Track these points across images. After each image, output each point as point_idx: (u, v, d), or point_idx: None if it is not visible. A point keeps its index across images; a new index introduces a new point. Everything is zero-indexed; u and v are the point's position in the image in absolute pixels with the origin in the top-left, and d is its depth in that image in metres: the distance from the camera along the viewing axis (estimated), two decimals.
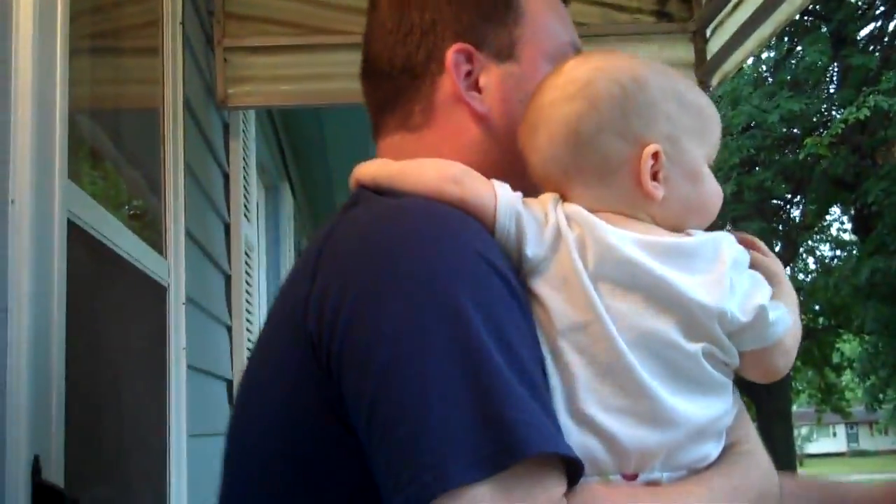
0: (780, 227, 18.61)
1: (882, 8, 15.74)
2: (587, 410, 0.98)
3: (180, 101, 2.88)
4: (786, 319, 1.07)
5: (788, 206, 18.68)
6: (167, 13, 2.86)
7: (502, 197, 1.05)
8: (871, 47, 14.89)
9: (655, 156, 1.08)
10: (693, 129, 1.12)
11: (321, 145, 6.11)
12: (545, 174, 1.11)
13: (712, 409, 1.03)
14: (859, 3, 15.78)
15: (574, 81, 1.10)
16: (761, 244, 1.19)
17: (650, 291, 1.01)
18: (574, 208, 1.06)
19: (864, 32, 15.62)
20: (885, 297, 15.23)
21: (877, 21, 15.83)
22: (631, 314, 1.00)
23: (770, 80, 15.43)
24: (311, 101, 3.70)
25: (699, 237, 1.08)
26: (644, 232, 1.05)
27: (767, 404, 21.59)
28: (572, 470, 0.93)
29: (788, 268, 19.77)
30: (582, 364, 0.99)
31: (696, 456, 1.03)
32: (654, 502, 0.98)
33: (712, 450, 1.04)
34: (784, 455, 22.32)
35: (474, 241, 0.99)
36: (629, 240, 1.02)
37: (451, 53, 1.17)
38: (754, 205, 15.56)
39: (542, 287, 1.02)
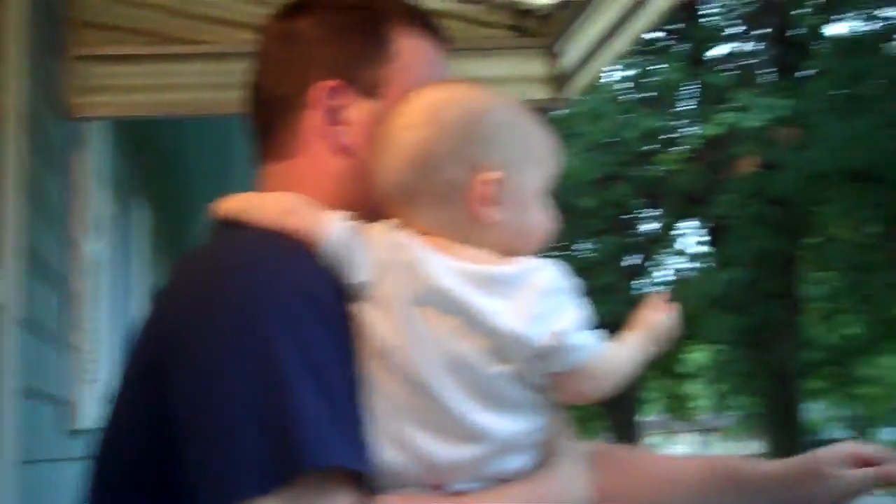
0: (636, 240, 19.15)
1: (735, 30, 16.42)
2: (398, 428, 1.06)
3: (23, 111, 2.74)
4: (590, 346, 1.12)
5: (644, 220, 19.24)
6: (12, 19, 2.73)
7: (332, 227, 1.12)
8: (724, 67, 15.46)
9: (491, 182, 1.13)
10: (530, 159, 1.18)
11: (182, 158, 5.93)
12: (389, 197, 1.16)
13: (521, 425, 1.10)
14: (714, 25, 16.41)
15: (422, 109, 1.17)
16: (672, 309, 1.27)
17: (462, 317, 1.07)
18: (404, 237, 1.12)
19: (717, 52, 16.25)
20: (733, 307, 15.85)
21: (730, 42, 16.51)
22: (443, 338, 1.07)
23: (629, 97, 15.84)
24: (164, 111, 3.59)
25: (518, 265, 1.12)
26: (471, 258, 1.11)
27: (619, 414, 22.20)
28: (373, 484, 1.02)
29: (644, 279, 20.37)
30: (395, 384, 1.06)
31: (506, 468, 1.09)
32: None
33: (521, 463, 1.11)
34: None
35: (297, 271, 1.08)
36: (449, 269, 1.09)
37: (317, 88, 1.24)
38: (613, 219, 15.95)
39: (366, 312, 1.09)
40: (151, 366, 1.07)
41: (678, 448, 54.98)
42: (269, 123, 1.28)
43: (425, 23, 1.33)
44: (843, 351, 19.54)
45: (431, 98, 1.18)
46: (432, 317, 1.08)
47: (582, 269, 14.94)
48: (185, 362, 1.03)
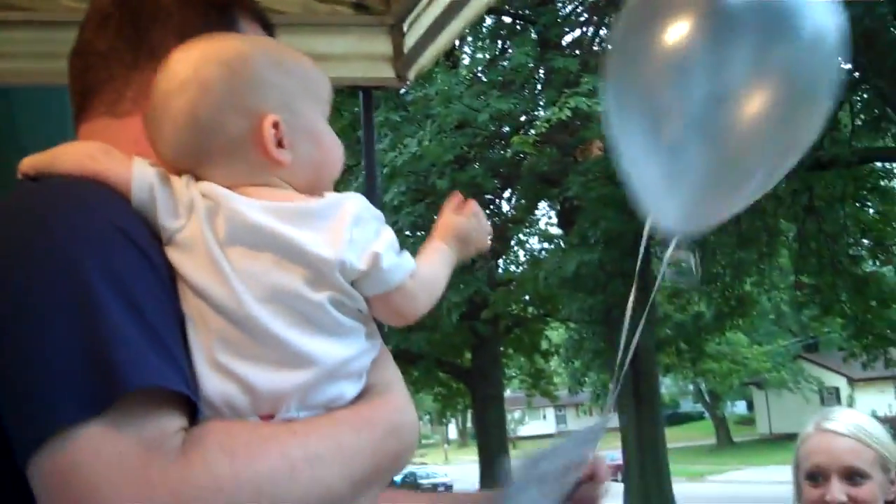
0: (492, 222, 19.38)
1: (584, 15, 16.79)
2: (222, 360, 1.07)
3: None
4: (405, 266, 1.18)
5: (499, 201, 19.52)
6: None
7: (136, 171, 1.13)
8: (573, 51, 15.80)
9: (276, 125, 1.16)
10: (303, 92, 1.21)
11: (11, 130, 5.72)
12: (177, 164, 1.16)
13: (343, 351, 1.13)
14: (563, 9, 16.74)
15: (181, 71, 1.16)
16: (470, 208, 1.33)
17: (277, 251, 1.10)
18: (207, 185, 1.14)
19: (567, 38, 16.59)
20: (588, 287, 16.22)
21: (580, 27, 16.87)
22: (260, 273, 1.09)
23: (482, 80, 16.02)
24: None
25: (325, 199, 1.16)
26: (276, 199, 1.14)
27: (482, 390, 22.52)
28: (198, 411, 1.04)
29: (501, 260, 20.70)
30: (216, 319, 1.08)
31: (331, 395, 1.13)
32: (275, 433, 1.06)
33: (347, 390, 1.15)
34: (497, 438, 23.38)
35: (107, 212, 1.09)
36: (257, 207, 1.11)
37: (172, 49, 1.20)
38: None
39: (177, 254, 1.11)
40: None
41: (538, 423, 56.11)
42: (104, 78, 1.27)
43: (261, 16, 1.37)
44: (691, 328, 20.23)
45: (187, 58, 1.18)
46: (245, 255, 1.09)
47: None
48: None
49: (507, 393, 30.17)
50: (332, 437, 1.09)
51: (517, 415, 50.99)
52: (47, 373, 0.97)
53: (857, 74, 14.12)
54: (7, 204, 1.13)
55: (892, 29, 12.93)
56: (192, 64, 1.17)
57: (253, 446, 1.03)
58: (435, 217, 1.28)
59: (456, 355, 22.96)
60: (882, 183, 17.40)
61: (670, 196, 2.22)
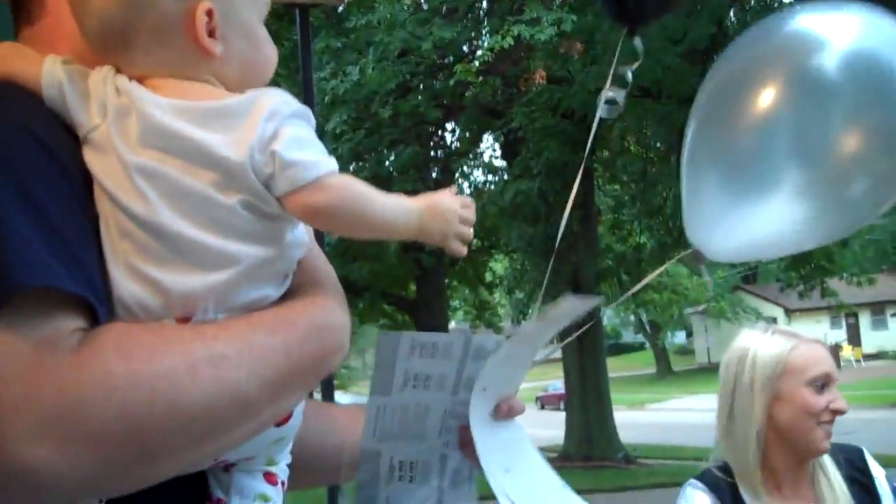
0: (436, 153, 19.31)
1: None
2: (133, 262, 1.06)
3: None
4: (318, 164, 1.10)
5: (442, 133, 19.42)
6: None
7: (46, 69, 1.11)
8: None
9: (209, 13, 1.12)
10: None
11: None
12: (103, 41, 1.13)
13: (259, 252, 1.10)
14: None
15: None
16: (468, 202, 1.22)
17: (186, 154, 1.07)
18: (123, 80, 1.11)
19: None
20: (528, 217, 16.29)
21: None
22: (170, 177, 1.07)
23: (424, 7, 15.81)
24: None
25: (239, 96, 1.12)
26: (193, 95, 1.11)
27: (426, 322, 22.63)
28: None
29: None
30: (126, 221, 1.06)
31: (251, 298, 1.11)
32: (179, 334, 1.04)
33: (270, 293, 1.13)
34: None
35: (13, 112, 1.07)
36: (168, 107, 1.09)
37: None
38: (410, 129, 16.01)
39: (91, 154, 1.09)
40: None
41: None
42: None
43: None
44: (632, 259, 20.46)
45: None
46: (155, 157, 1.07)
47: (380, 178, 15.03)
48: None
49: (452, 325, 30.37)
50: (243, 336, 1.07)
51: None
52: None
53: None
54: None
55: None
56: None
57: (152, 346, 1.01)
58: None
59: (400, 287, 23.03)
60: None
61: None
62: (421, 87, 16.02)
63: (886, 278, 36.57)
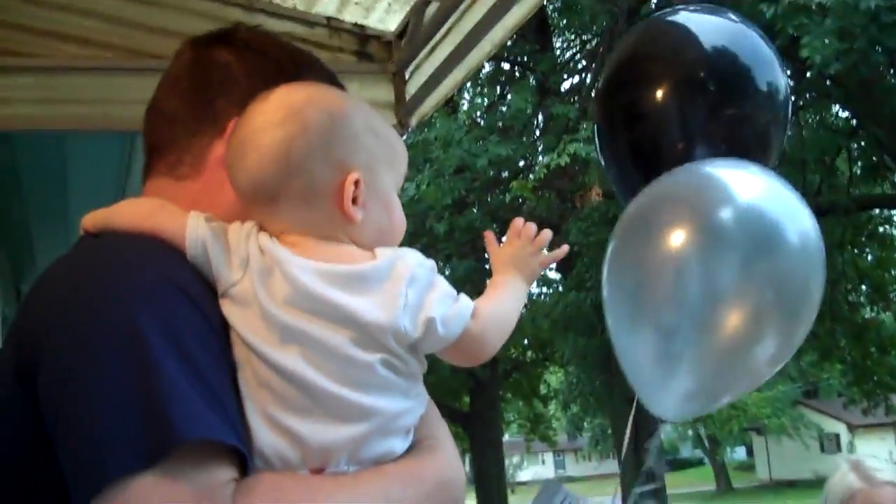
0: (488, 268, 19.34)
1: (583, 62, 16.92)
2: (273, 413, 1.11)
3: None
4: (463, 314, 1.19)
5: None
6: None
7: (190, 227, 1.17)
8: (572, 98, 15.88)
9: (357, 182, 1.18)
10: (387, 161, 1.24)
11: (13, 174, 5.77)
12: (254, 197, 1.19)
13: (392, 407, 1.15)
14: (562, 56, 16.86)
15: (284, 108, 1.19)
16: (528, 230, 1.37)
17: (329, 316, 1.12)
18: (265, 240, 1.16)
19: (566, 84, 16.70)
20: (581, 329, 16.17)
21: (578, 74, 16.99)
22: (315, 333, 1.12)
23: (480, 125, 16.09)
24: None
25: (379, 259, 1.18)
26: (334, 258, 1.16)
27: (480, 435, 22.36)
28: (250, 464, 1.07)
29: None
30: (267, 372, 1.11)
31: (381, 450, 1.15)
32: (322, 485, 1.08)
33: (397, 445, 1.17)
34: (496, 483, 23.18)
35: (161, 267, 1.12)
36: (311, 270, 1.13)
37: (233, 122, 1.24)
38: (466, 244, 16.12)
39: (230, 307, 1.14)
40: (21, 367, 1.09)
41: (537, 468, 55.69)
42: (168, 139, 1.31)
43: (334, 80, 1.39)
44: None
45: (292, 97, 1.21)
46: (297, 316, 1.12)
47: None
48: (54, 356, 1.06)
49: (506, 437, 29.97)
50: (380, 489, 1.11)
51: (515, 459, 50.59)
52: (105, 424, 1.01)
53: (854, 122, 14.20)
54: (69, 260, 1.18)
55: (888, 77, 13.02)
56: (295, 104, 1.19)
57: (301, 497, 1.06)
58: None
59: (454, 399, 22.85)
60: (880, 230, 17.42)
61: (663, 386, 2.40)
62: (476, 202, 16.20)
63: None
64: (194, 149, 1.29)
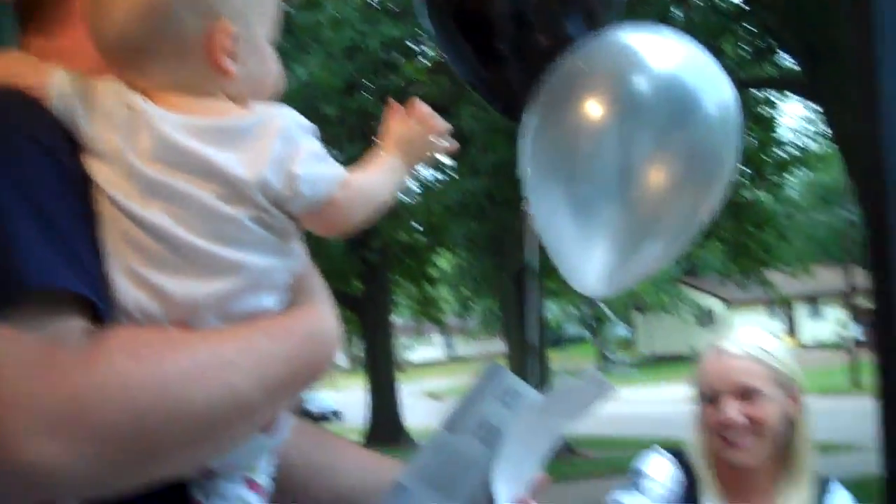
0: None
1: None
2: (137, 269, 1.08)
3: None
4: (331, 178, 1.15)
5: None
6: None
7: (52, 80, 1.13)
8: None
9: (229, 33, 1.13)
10: (260, 9, 1.19)
11: None
12: (120, 53, 1.14)
13: (261, 263, 1.12)
14: None
15: None
16: (422, 112, 1.27)
17: (195, 170, 1.09)
18: (133, 96, 1.12)
19: None
20: (473, 215, 16.36)
21: None
22: (179, 187, 1.09)
23: (372, 5, 15.81)
24: None
25: (253, 114, 1.15)
26: (205, 112, 1.13)
27: (371, 318, 22.65)
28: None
29: None
30: (130, 226, 1.08)
31: (251, 307, 1.13)
32: (185, 338, 1.07)
33: (269, 302, 1.15)
34: (386, 364, 23.62)
35: (18, 120, 1.09)
36: (179, 124, 1.10)
37: None
38: (356, 128, 16.01)
39: (93, 162, 1.10)
40: None
41: (427, 349, 56.81)
42: None
43: None
44: None
45: None
46: (162, 171, 1.08)
47: None
48: None
49: (397, 321, 30.35)
50: (245, 342, 1.09)
51: (405, 341, 51.43)
52: None
53: (743, 4, 14.38)
54: None
55: None
56: None
57: (160, 349, 1.03)
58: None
59: (344, 283, 22.98)
60: (760, 111, 17.82)
61: (585, 262, 2.40)
62: (368, 85, 16.02)
63: (823, 271, 37.31)
64: (60, 1, 1.23)
